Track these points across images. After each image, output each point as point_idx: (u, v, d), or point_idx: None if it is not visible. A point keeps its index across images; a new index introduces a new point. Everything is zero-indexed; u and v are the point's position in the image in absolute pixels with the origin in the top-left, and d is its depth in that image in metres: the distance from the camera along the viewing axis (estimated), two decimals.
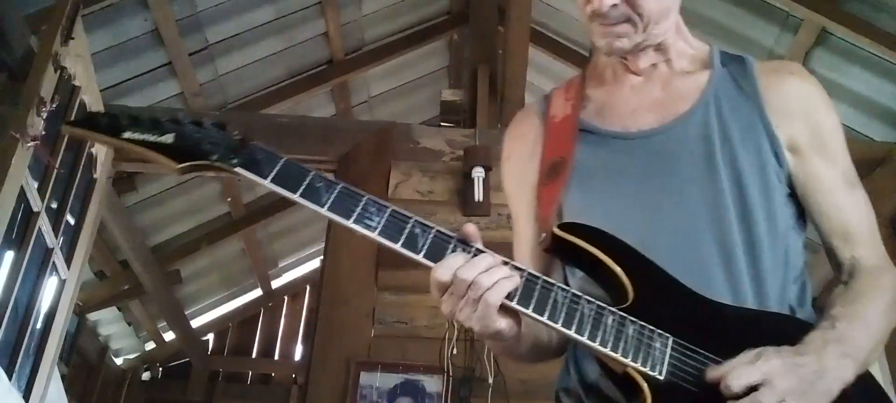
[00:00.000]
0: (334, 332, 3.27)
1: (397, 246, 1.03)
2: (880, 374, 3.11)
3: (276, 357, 7.11)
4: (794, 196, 1.23)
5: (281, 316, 7.22)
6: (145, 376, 6.79)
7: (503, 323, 1.05)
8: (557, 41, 4.91)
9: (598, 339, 1.03)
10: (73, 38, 2.84)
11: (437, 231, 1.05)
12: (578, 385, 1.20)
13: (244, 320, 7.08)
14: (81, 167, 3.11)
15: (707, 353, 1.04)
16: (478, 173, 3.40)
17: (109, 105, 3.38)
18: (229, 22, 4.19)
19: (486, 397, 3.08)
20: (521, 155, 1.37)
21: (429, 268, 1.03)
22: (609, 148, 1.26)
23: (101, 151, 3.30)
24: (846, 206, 1.22)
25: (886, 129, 3.91)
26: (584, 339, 1.03)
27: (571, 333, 1.03)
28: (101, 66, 3.60)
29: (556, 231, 1.13)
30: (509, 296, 1.02)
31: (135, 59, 4.01)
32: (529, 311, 1.03)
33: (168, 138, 1.07)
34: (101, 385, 6.10)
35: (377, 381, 3.25)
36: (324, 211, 1.04)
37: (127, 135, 1.06)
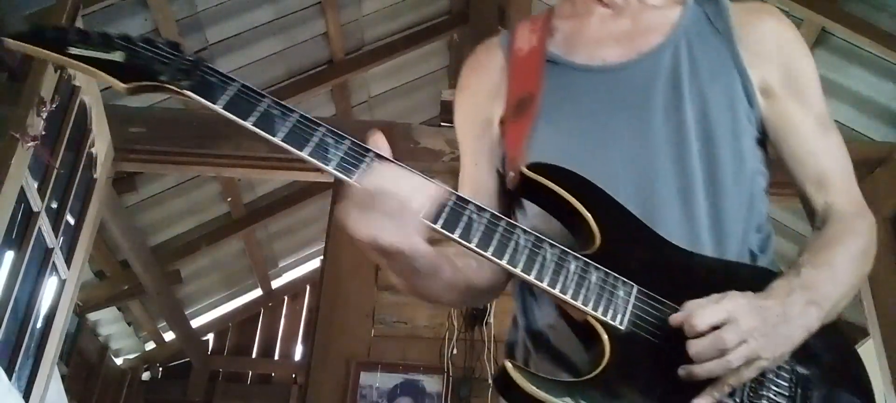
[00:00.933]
0: (334, 332, 3.27)
1: (351, 180, 0.95)
2: (880, 375, 3.12)
3: (276, 357, 7.11)
4: (764, 140, 1.20)
5: (281, 316, 7.21)
6: (145, 376, 6.79)
7: (422, 247, 0.97)
8: None
9: (559, 285, 0.99)
10: None
11: (352, 143, 0.98)
12: (527, 339, 1.16)
13: (244, 320, 7.07)
14: (81, 167, 3.11)
15: (672, 304, 1.00)
16: None
17: (109, 105, 3.38)
18: (229, 22, 4.19)
19: (485, 397, 3.09)
20: (477, 88, 1.31)
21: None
22: (573, 80, 1.21)
23: (101, 151, 3.30)
24: (820, 152, 1.18)
25: (886, 129, 3.91)
26: (544, 285, 0.99)
27: (531, 278, 0.99)
28: None
29: (525, 171, 1.09)
30: (468, 239, 0.97)
31: None
32: (489, 254, 0.98)
33: (117, 56, 1.00)
34: (101, 385, 6.10)
35: (377, 381, 3.25)
36: (277, 140, 0.97)
37: (73, 50, 0.99)
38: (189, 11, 3.99)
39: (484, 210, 1.00)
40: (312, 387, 3.20)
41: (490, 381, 3.07)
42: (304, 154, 0.97)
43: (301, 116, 0.99)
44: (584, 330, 1.01)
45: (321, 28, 4.60)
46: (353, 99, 5.27)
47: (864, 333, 3.98)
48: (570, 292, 0.99)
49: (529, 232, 1.01)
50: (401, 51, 5.01)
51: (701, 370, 0.94)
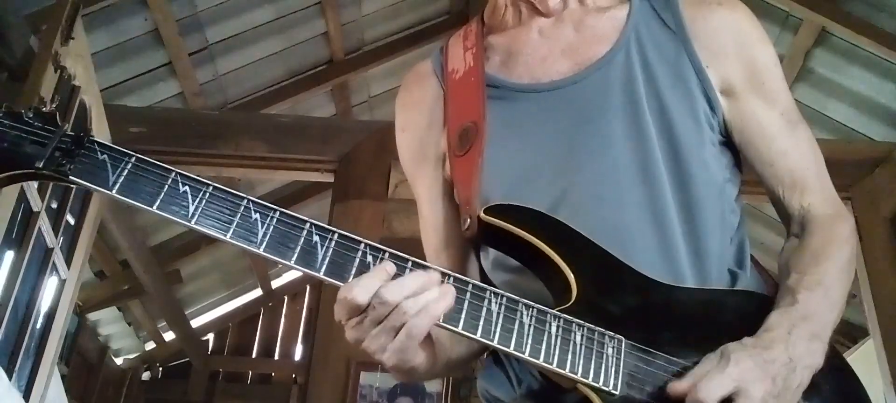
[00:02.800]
0: (334, 332, 3.27)
1: (291, 263, 0.85)
2: (880, 375, 3.12)
3: (276, 357, 7.11)
4: (728, 143, 1.10)
5: (281, 316, 7.21)
6: (145, 376, 6.79)
7: (421, 357, 0.90)
8: None
9: (542, 354, 0.88)
10: (73, 38, 2.83)
11: (340, 235, 0.87)
12: (510, 370, 1.04)
13: (244, 320, 7.08)
14: None
15: (664, 355, 0.92)
16: None
17: (109, 105, 3.38)
18: (229, 22, 4.19)
19: None
20: (418, 125, 1.18)
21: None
22: (519, 104, 1.09)
23: None
24: (790, 150, 1.08)
25: (886, 129, 3.91)
26: (527, 356, 0.87)
27: (511, 351, 0.87)
28: (101, 65, 3.60)
29: (484, 216, 0.97)
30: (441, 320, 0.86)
31: (135, 59, 4.00)
32: (460, 329, 0.87)
33: None
34: (101, 385, 6.10)
35: (377, 381, 3.26)
36: (191, 224, 0.83)
37: None
38: (189, 11, 3.99)
39: (448, 275, 0.88)
40: (312, 387, 3.20)
41: None
42: (227, 236, 0.83)
43: (216, 188, 0.85)
44: (574, 397, 0.91)
45: (321, 28, 4.59)
46: (353, 99, 5.27)
47: (864, 333, 3.98)
48: (556, 360, 0.88)
49: (500, 293, 0.90)
50: (401, 51, 5.01)
51: None
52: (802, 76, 4.02)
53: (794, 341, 0.91)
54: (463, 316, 0.87)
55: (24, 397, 2.75)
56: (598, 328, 0.92)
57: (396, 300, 0.83)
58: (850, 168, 3.30)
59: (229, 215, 0.85)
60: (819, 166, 1.11)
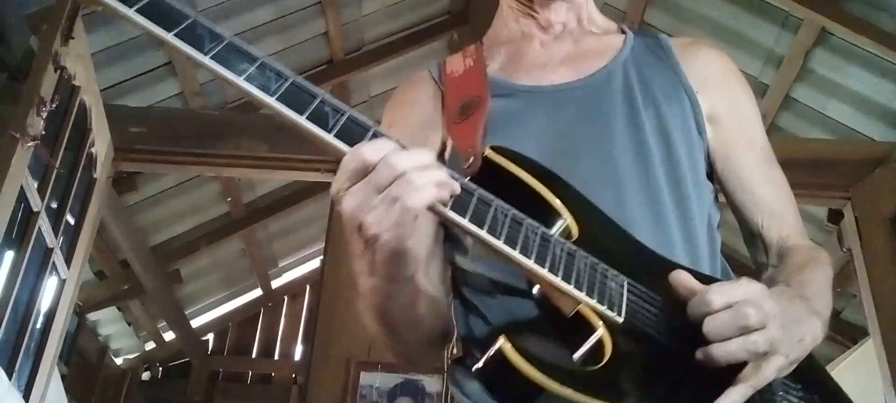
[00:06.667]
0: (334, 332, 3.27)
1: (302, 119, 0.82)
2: (880, 375, 3.12)
3: (276, 357, 7.11)
4: (711, 175, 1.14)
5: (281, 316, 7.21)
6: (145, 376, 6.79)
7: (416, 242, 0.84)
8: None
9: (547, 265, 0.83)
10: (73, 38, 2.83)
11: (351, 115, 0.84)
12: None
13: (244, 320, 7.08)
14: (81, 167, 3.11)
15: (663, 302, 0.89)
16: None
17: (109, 105, 3.38)
18: (229, 22, 4.18)
19: None
20: (409, 122, 1.17)
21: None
22: (519, 100, 1.12)
23: (101, 151, 3.30)
24: (770, 183, 1.14)
25: (886, 129, 3.91)
26: (531, 263, 0.82)
27: (516, 254, 0.82)
28: (101, 65, 3.60)
29: (490, 153, 0.94)
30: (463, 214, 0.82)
31: (135, 59, 4.00)
32: (466, 222, 0.81)
33: None
34: (101, 385, 6.11)
35: (377, 381, 3.26)
36: (205, 60, 0.85)
37: None
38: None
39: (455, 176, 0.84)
40: (312, 387, 3.20)
41: None
42: (240, 79, 0.84)
43: (233, 41, 0.88)
44: (571, 323, 0.86)
45: (321, 28, 4.60)
46: (353, 99, 5.26)
47: (864, 333, 3.98)
48: (560, 274, 0.84)
49: (506, 207, 0.85)
50: (401, 51, 5.01)
51: (720, 350, 0.80)
52: (802, 76, 4.01)
53: (797, 308, 0.90)
54: (469, 212, 0.82)
55: (24, 397, 2.76)
56: (601, 263, 0.89)
57: (404, 166, 0.78)
58: (850, 168, 3.30)
59: (245, 65, 0.86)
60: (794, 205, 1.16)
